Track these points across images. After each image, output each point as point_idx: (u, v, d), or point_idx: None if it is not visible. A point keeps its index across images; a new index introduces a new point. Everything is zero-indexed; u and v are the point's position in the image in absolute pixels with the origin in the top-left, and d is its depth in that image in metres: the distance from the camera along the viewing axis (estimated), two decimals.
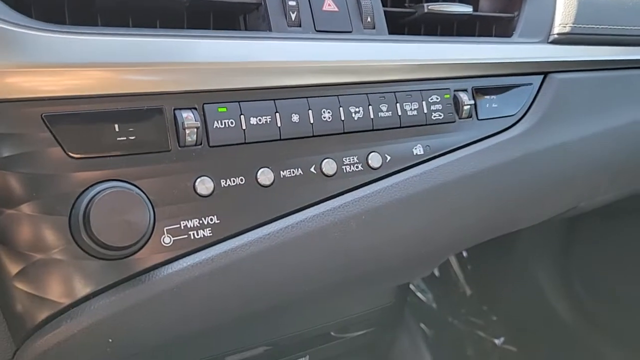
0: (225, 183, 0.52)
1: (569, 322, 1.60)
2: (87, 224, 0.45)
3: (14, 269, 0.47)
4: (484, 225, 0.70)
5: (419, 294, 1.67)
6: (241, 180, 0.53)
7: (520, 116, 0.71)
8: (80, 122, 0.47)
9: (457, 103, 0.66)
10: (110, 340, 0.48)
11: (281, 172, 0.55)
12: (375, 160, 0.60)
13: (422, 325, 1.48)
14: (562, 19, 0.74)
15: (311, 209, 0.56)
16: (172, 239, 0.49)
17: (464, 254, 1.74)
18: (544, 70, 0.73)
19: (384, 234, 0.60)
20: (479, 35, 0.75)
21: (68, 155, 0.46)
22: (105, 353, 0.49)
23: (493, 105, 0.69)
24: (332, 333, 0.81)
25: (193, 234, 0.50)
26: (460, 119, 0.66)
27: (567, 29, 0.74)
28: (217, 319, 0.54)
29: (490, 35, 0.75)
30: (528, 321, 1.67)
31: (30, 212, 0.46)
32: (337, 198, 0.57)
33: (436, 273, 1.76)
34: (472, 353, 1.65)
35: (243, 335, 0.71)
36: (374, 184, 0.59)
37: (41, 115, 0.45)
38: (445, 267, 1.75)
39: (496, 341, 1.67)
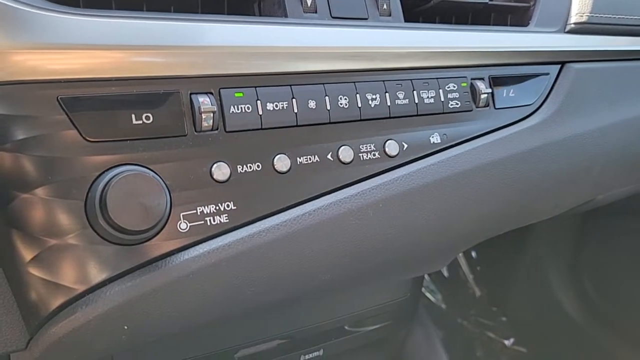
0: (242, 169, 0.51)
1: (580, 322, 1.58)
2: (103, 207, 0.44)
3: (28, 254, 0.46)
4: (501, 217, 0.69)
5: (428, 295, 1.66)
6: (258, 166, 0.52)
7: (537, 106, 0.70)
8: (96, 105, 0.46)
9: (474, 92, 0.65)
10: (125, 327, 0.47)
11: (298, 158, 0.54)
12: (392, 148, 0.59)
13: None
14: (579, 8, 0.73)
15: (328, 196, 0.55)
16: (189, 224, 0.49)
17: (473, 254, 1.72)
18: (561, 60, 0.72)
19: (401, 222, 0.59)
20: (494, 25, 0.74)
21: (84, 138, 0.46)
22: (121, 340, 0.48)
23: (510, 95, 0.68)
24: (347, 327, 0.80)
25: (209, 219, 0.49)
26: (477, 107, 0.65)
27: (584, 18, 0.73)
28: (233, 307, 0.53)
29: (506, 26, 0.74)
30: (538, 322, 1.65)
31: (45, 196, 0.45)
32: (354, 186, 0.56)
33: (445, 274, 1.75)
34: (482, 354, 1.63)
35: (257, 327, 0.70)
36: (391, 172, 0.58)
37: (57, 98, 0.45)
38: (454, 267, 1.73)
39: (506, 342, 1.65)
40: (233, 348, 0.70)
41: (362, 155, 0.57)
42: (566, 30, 0.74)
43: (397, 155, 0.59)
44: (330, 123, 0.56)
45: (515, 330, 1.67)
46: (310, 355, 0.77)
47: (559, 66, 0.72)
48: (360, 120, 0.58)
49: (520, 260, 1.65)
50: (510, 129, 0.66)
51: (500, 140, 0.65)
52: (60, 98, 0.45)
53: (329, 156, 0.56)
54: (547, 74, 0.71)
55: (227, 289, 0.51)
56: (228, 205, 0.50)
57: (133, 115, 0.47)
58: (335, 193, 0.55)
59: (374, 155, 0.58)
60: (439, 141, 0.62)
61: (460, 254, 1.72)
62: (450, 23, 0.73)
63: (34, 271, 0.46)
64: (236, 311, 0.54)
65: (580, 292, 1.59)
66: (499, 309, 1.71)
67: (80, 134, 0.45)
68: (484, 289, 1.75)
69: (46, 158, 0.45)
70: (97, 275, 0.46)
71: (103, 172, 0.46)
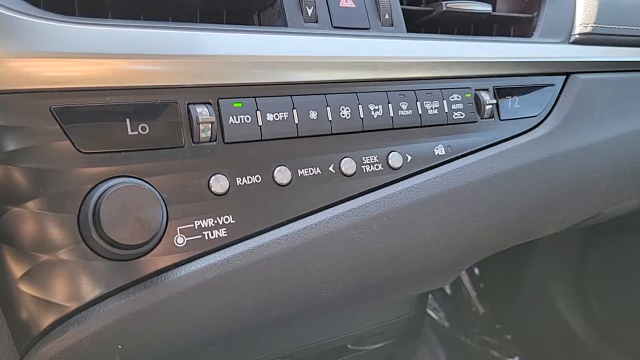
0: (241, 181, 0.50)
1: (585, 339, 1.56)
2: (97, 220, 0.42)
3: (18, 271, 0.44)
4: (507, 230, 0.67)
5: (431, 313, 1.64)
6: (257, 178, 0.50)
7: (543, 117, 0.68)
8: (90, 115, 0.45)
9: (478, 103, 0.64)
10: (119, 346, 0.45)
11: (299, 170, 0.52)
12: (395, 160, 0.57)
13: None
14: (583, 19, 0.72)
15: (331, 209, 0.53)
16: (186, 239, 0.47)
17: (476, 271, 1.70)
18: (566, 71, 0.71)
19: (406, 236, 0.57)
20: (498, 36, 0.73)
21: (77, 150, 0.44)
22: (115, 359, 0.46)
23: (515, 106, 0.66)
24: (350, 346, 0.77)
25: (207, 234, 0.48)
26: (482, 119, 0.64)
27: (588, 29, 0.72)
28: (232, 325, 0.51)
29: (509, 37, 0.73)
30: (543, 340, 1.63)
31: (36, 209, 0.43)
32: (358, 199, 0.54)
33: (448, 291, 1.73)
34: None
35: (258, 346, 0.68)
36: (395, 184, 0.57)
37: (50, 108, 0.43)
38: (457, 285, 1.71)
39: None
40: None
41: (365, 168, 0.56)
42: (570, 41, 0.73)
43: (400, 167, 0.57)
44: (332, 134, 0.55)
45: (520, 348, 1.64)
46: None
47: (564, 77, 0.71)
48: (363, 131, 0.56)
49: (523, 277, 1.63)
50: (515, 141, 0.65)
51: (505, 152, 0.64)
52: (53, 108, 0.43)
53: (330, 168, 0.54)
54: (553, 85, 0.70)
55: (226, 306, 0.49)
56: (227, 219, 0.49)
57: (128, 126, 0.46)
58: (338, 206, 0.53)
59: (377, 167, 0.56)
60: (444, 153, 0.60)
61: (463, 271, 1.70)
62: (453, 34, 0.72)
63: (25, 288, 0.44)
64: (235, 329, 0.52)
65: (586, 308, 1.56)
66: (503, 326, 1.69)
67: (74, 145, 0.44)
68: (487, 306, 1.72)
69: (38, 170, 0.43)
70: (90, 292, 0.44)
71: (97, 185, 0.44)
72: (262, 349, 0.69)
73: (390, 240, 0.56)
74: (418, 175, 0.58)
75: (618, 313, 1.48)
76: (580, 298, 1.57)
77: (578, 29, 0.73)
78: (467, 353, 1.62)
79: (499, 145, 0.64)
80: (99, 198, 0.43)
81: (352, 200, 0.54)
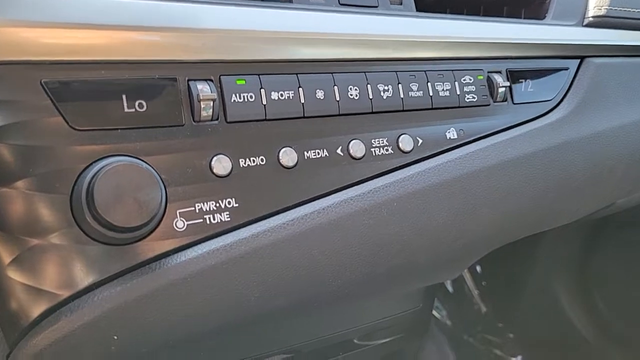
0: (245, 163, 0.47)
1: (590, 338, 1.53)
2: (90, 201, 0.39)
3: (7, 257, 0.41)
4: (520, 219, 0.64)
5: (433, 311, 1.61)
6: (262, 160, 0.48)
7: (557, 102, 0.66)
8: (84, 90, 0.42)
9: (491, 85, 0.61)
10: (115, 337, 0.42)
11: (305, 152, 0.50)
12: (406, 143, 0.54)
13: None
14: (597, 2, 0.70)
15: (339, 193, 0.50)
16: (186, 223, 0.44)
17: (478, 269, 1.68)
18: (580, 54, 0.68)
19: (416, 223, 0.54)
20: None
21: (70, 126, 0.41)
22: (110, 352, 0.43)
23: (529, 90, 0.64)
24: (356, 340, 0.75)
25: (209, 218, 0.45)
26: (494, 102, 0.61)
27: (602, 12, 0.70)
28: (235, 315, 0.48)
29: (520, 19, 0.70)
30: (546, 338, 1.60)
31: (26, 189, 0.40)
32: (367, 183, 0.52)
33: (450, 289, 1.70)
34: None
35: (260, 340, 0.65)
36: (405, 168, 0.54)
37: (40, 81, 0.40)
38: (459, 283, 1.69)
39: None
40: None
41: (375, 151, 0.53)
42: (584, 23, 0.70)
43: (411, 150, 0.55)
44: (339, 115, 0.52)
45: (523, 347, 1.62)
46: None
47: (578, 61, 0.68)
48: (372, 112, 0.53)
49: (526, 275, 1.61)
50: (529, 125, 0.62)
51: (519, 137, 0.61)
52: (43, 82, 0.40)
53: (338, 151, 0.51)
54: (567, 68, 0.67)
55: (229, 295, 0.46)
56: (229, 202, 0.46)
57: (125, 103, 0.43)
58: (347, 190, 0.51)
59: (387, 150, 0.53)
60: (456, 137, 0.58)
61: (465, 270, 1.68)
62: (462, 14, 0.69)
63: (14, 275, 0.41)
64: (238, 319, 0.49)
65: (590, 306, 1.54)
66: (506, 325, 1.66)
67: (66, 122, 0.41)
68: (490, 304, 1.70)
69: (27, 147, 0.40)
70: (83, 278, 0.41)
71: (91, 164, 0.41)
72: (265, 343, 0.66)
73: (401, 227, 0.53)
74: (429, 160, 0.55)
75: (622, 311, 1.45)
76: (584, 296, 1.55)
77: (592, 12, 0.70)
78: (470, 352, 1.59)
79: (512, 130, 0.61)
80: (92, 177, 0.40)
81: (362, 185, 0.51)
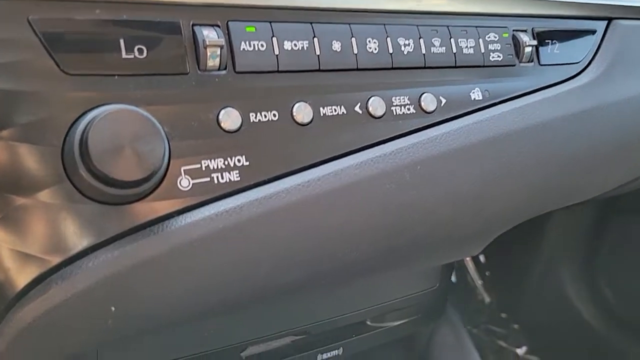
0: (255, 117, 0.42)
1: (597, 328, 1.50)
2: (84, 152, 0.35)
3: None
4: (546, 190, 0.60)
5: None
6: (274, 115, 0.43)
7: (585, 64, 0.61)
8: (77, 31, 0.37)
9: (516, 44, 0.57)
10: (113, 308, 0.38)
11: (321, 108, 0.45)
12: (429, 102, 0.50)
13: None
14: None
15: (358, 154, 0.46)
16: (191, 181, 0.39)
17: (482, 258, 1.64)
18: (608, 16, 0.64)
19: (440, 189, 0.50)
20: None
21: (62, 71, 0.37)
22: (107, 326, 0.38)
23: (555, 51, 0.59)
24: (369, 322, 0.70)
25: (217, 176, 0.40)
26: (520, 63, 0.57)
27: None
28: (243, 288, 0.43)
29: None
30: (552, 329, 1.56)
31: (11, 140, 0.36)
32: (389, 143, 0.47)
33: (453, 279, 1.66)
34: None
35: (268, 321, 0.61)
36: (429, 129, 0.49)
37: (27, 19, 0.36)
38: (462, 272, 1.65)
39: (518, 351, 1.57)
40: (240, 345, 0.60)
41: (395, 109, 0.48)
42: None
43: (434, 111, 0.50)
44: (357, 69, 0.47)
45: (528, 338, 1.58)
46: (329, 355, 0.67)
47: (606, 22, 0.64)
48: (392, 68, 0.49)
49: (531, 264, 1.57)
50: (557, 89, 0.58)
51: (546, 100, 0.56)
52: (31, 19, 0.36)
53: (357, 108, 0.47)
54: (594, 30, 0.63)
55: (238, 262, 0.41)
56: (239, 160, 0.41)
57: (123, 47, 0.38)
58: (367, 151, 0.46)
59: (409, 109, 0.49)
60: (480, 98, 0.53)
61: (469, 259, 1.64)
62: None
63: None
64: (246, 294, 0.44)
65: (597, 295, 1.50)
66: (510, 315, 1.63)
67: (57, 65, 0.36)
68: (493, 295, 1.66)
69: (14, 92, 0.36)
70: (76, 242, 0.37)
71: (85, 112, 0.37)
72: (274, 324, 0.61)
73: (424, 193, 0.49)
74: (454, 121, 0.51)
75: (631, 300, 1.42)
76: (591, 285, 1.51)
77: None
78: (474, 343, 1.55)
79: (539, 93, 0.57)
80: (87, 126, 0.35)
81: (383, 145, 0.47)
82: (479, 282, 1.68)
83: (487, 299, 1.66)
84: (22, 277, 0.37)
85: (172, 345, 0.55)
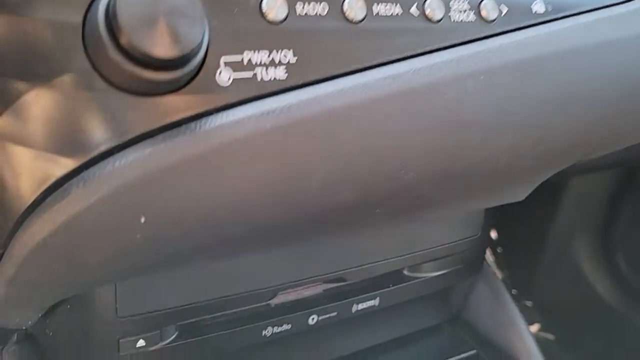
0: (302, 9, 0.37)
1: (612, 303, 1.45)
2: (112, 24, 0.29)
3: None
4: (609, 126, 0.54)
5: None
6: (323, 8, 0.37)
7: None
8: None
9: None
10: (142, 218, 0.32)
11: (374, 6, 0.39)
12: (490, 9, 0.44)
13: None
14: None
15: (418, 58, 0.40)
16: (232, 75, 0.34)
17: (493, 235, 1.60)
18: None
19: (502, 105, 0.44)
20: None
21: None
22: (135, 241, 0.33)
23: None
24: (407, 272, 0.65)
25: (261, 72, 0.34)
26: None
27: None
28: (292, 203, 0.38)
29: None
30: (566, 305, 1.52)
31: (20, 14, 0.30)
32: (450, 50, 0.41)
33: None
34: None
35: (301, 265, 0.55)
36: (490, 39, 0.44)
37: None
38: None
39: (531, 328, 1.52)
40: (269, 291, 0.54)
41: (454, 15, 0.43)
42: None
43: (495, 20, 0.45)
44: None
45: (541, 314, 1.54)
46: (365, 305, 0.62)
47: None
48: None
49: (545, 239, 1.52)
50: (624, 7, 0.52)
51: (613, 18, 0.51)
52: None
53: (413, 8, 0.41)
54: None
55: (285, 172, 0.36)
56: (285, 56, 0.35)
57: None
58: (427, 56, 0.40)
59: (468, 16, 0.43)
60: (543, 11, 0.48)
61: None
62: None
63: (4, 135, 0.31)
64: (294, 214, 0.39)
65: (613, 271, 1.45)
66: (523, 292, 1.58)
67: None
68: (506, 271, 1.62)
69: None
70: (101, 139, 0.31)
71: None
72: (306, 268, 0.56)
73: (486, 107, 0.43)
74: (516, 32, 0.45)
75: None
76: (607, 260, 1.47)
77: None
78: None
79: (604, 10, 0.51)
80: None
81: (444, 51, 0.41)
82: (491, 259, 1.63)
83: (500, 275, 1.62)
84: (35, 184, 0.31)
85: (196, 287, 0.50)
